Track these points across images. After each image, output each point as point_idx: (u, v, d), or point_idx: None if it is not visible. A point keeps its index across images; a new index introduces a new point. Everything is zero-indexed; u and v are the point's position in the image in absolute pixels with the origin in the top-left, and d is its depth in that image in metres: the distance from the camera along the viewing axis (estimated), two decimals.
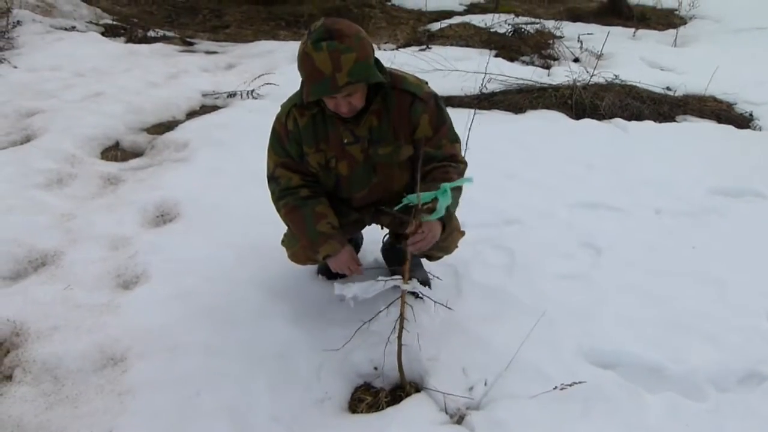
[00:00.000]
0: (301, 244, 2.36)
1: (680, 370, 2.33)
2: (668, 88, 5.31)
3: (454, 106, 4.65)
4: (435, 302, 2.04)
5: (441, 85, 4.82)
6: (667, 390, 2.25)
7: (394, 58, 5.22)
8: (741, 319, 2.59)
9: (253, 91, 4.87)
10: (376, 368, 2.36)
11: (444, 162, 2.29)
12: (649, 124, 4.50)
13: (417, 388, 2.30)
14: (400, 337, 2.19)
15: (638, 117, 4.68)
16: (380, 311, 2.10)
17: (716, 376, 2.31)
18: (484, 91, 4.87)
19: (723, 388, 2.28)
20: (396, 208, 2.05)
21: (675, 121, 4.75)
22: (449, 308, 2.04)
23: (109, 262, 2.86)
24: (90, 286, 2.69)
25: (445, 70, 5.04)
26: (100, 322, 2.49)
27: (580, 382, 2.20)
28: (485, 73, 5.01)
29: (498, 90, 4.95)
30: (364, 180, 2.32)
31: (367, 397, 2.28)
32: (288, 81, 4.76)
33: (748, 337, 2.50)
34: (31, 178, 3.42)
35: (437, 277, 2.17)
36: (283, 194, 2.30)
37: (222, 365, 2.29)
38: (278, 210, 2.34)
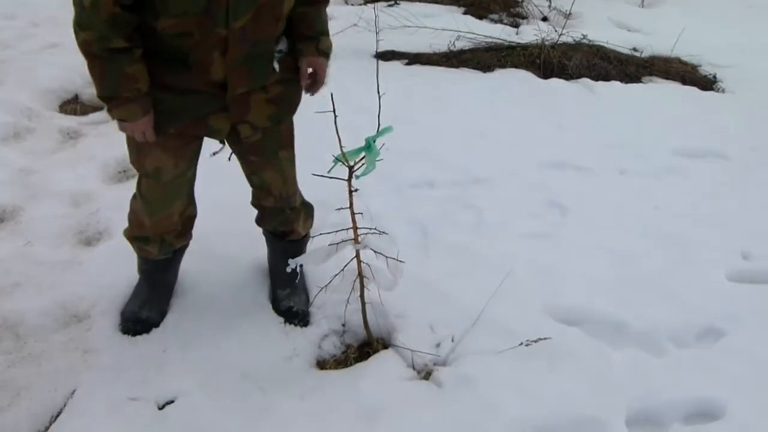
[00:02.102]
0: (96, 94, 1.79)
1: (642, 327, 2.39)
2: (635, 49, 5.32)
3: (422, 63, 4.60)
4: (387, 257, 2.03)
5: (409, 41, 4.77)
6: (630, 346, 2.31)
7: (361, 12, 5.11)
8: (701, 278, 2.67)
9: None
10: (343, 325, 2.36)
11: None
12: (615, 85, 4.52)
13: (385, 344, 2.32)
14: (362, 296, 2.19)
15: (605, 77, 4.69)
16: (335, 275, 2.08)
17: (676, 332, 2.38)
18: (453, 49, 4.81)
19: (682, 343, 2.35)
20: (328, 171, 1.88)
21: (641, 82, 4.78)
22: (401, 261, 2.03)
23: (70, 219, 2.78)
24: (51, 242, 2.62)
25: (413, 26, 4.96)
26: (63, 278, 2.43)
27: (545, 338, 2.24)
28: (454, 31, 4.96)
29: (467, 48, 4.90)
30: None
31: (336, 354, 2.29)
32: None
33: (708, 294, 2.57)
34: None
35: (383, 232, 2.09)
36: (87, 25, 1.63)
37: (189, 323, 2.26)
38: (77, 41, 1.69)
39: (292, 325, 2.33)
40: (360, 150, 1.97)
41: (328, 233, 2.12)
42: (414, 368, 2.21)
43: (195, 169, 2.15)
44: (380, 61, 4.53)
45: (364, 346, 2.33)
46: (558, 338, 2.27)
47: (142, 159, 2.00)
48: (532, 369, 2.17)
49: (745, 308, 2.50)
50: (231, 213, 2.66)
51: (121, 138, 3.32)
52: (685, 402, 2.10)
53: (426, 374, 2.19)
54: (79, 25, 1.65)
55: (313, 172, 1.96)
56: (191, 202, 2.22)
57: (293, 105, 2.09)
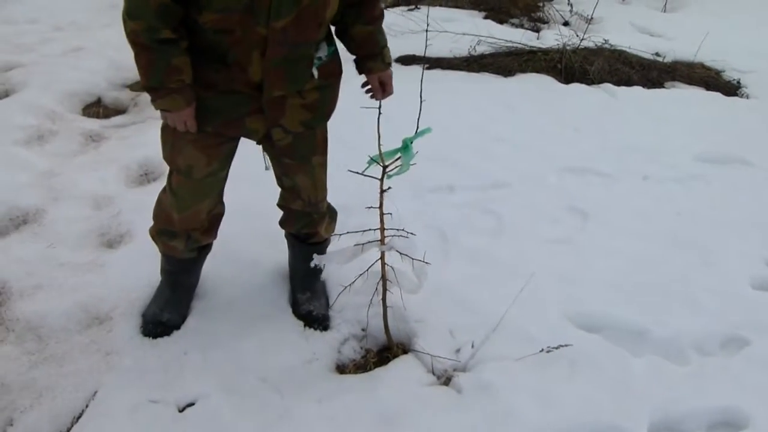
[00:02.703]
0: (141, 84, 1.82)
1: (664, 334, 2.36)
2: (657, 54, 5.27)
3: (443, 67, 4.59)
4: (413, 259, 2.02)
5: (430, 46, 4.76)
6: (651, 353, 2.28)
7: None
8: (723, 285, 2.63)
9: None
10: (363, 329, 2.36)
11: None
12: (637, 90, 4.48)
13: (404, 349, 2.31)
14: (384, 299, 2.18)
15: (627, 82, 4.65)
16: (360, 275, 2.08)
17: (699, 340, 2.35)
18: (473, 53, 4.80)
19: (705, 352, 2.32)
20: (363, 170, 1.96)
21: (663, 87, 4.73)
22: (427, 263, 2.03)
23: (92, 221, 2.81)
24: (73, 244, 2.65)
25: (433, 31, 4.95)
26: (84, 281, 2.45)
27: (566, 345, 2.22)
28: (475, 35, 4.94)
29: (487, 53, 4.88)
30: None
31: (355, 358, 2.29)
32: None
33: (730, 302, 2.53)
34: (11, 134, 3.33)
35: (410, 233, 2.08)
36: (136, 15, 1.66)
37: (210, 325, 2.27)
38: (125, 31, 1.72)
39: (312, 329, 2.33)
40: (396, 151, 1.98)
41: (354, 233, 2.11)
42: (434, 373, 2.20)
43: (227, 171, 2.16)
44: (401, 65, 4.54)
45: (384, 351, 2.32)
46: (579, 345, 2.25)
47: (175, 155, 2.01)
48: (552, 376, 2.15)
49: None
50: (252, 216, 2.68)
51: (143, 141, 3.38)
52: (708, 411, 2.07)
53: (446, 380, 2.18)
54: (129, 15, 1.67)
55: (348, 169, 1.98)
56: (220, 201, 2.23)
57: (328, 112, 2.09)
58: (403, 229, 2.06)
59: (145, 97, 3.93)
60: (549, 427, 1.98)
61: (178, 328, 2.28)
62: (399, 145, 1.98)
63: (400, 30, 5.01)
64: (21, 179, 3.00)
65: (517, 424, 1.98)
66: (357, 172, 1.90)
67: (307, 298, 2.38)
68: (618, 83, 4.60)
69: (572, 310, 2.44)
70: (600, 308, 2.46)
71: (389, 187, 1.98)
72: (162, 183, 3.04)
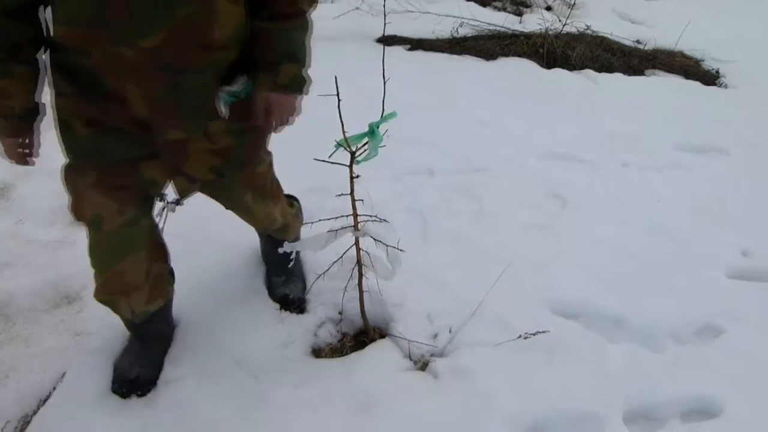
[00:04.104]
0: None
1: (641, 322, 2.36)
2: (638, 41, 5.27)
3: (425, 49, 4.54)
4: (387, 245, 1.99)
5: (413, 27, 4.71)
6: (629, 341, 2.28)
7: None
8: (699, 274, 2.64)
9: None
10: (340, 313, 2.33)
11: None
12: (618, 77, 4.48)
13: (382, 333, 2.29)
14: (360, 284, 2.15)
15: (608, 69, 4.64)
16: (334, 262, 2.05)
17: (675, 328, 2.35)
18: (456, 35, 4.76)
19: (681, 340, 2.32)
20: (330, 155, 1.67)
21: (644, 74, 4.73)
22: (401, 250, 2.00)
23: (63, 197, 2.66)
24: (43, 221, 2.57)
25: (416, 12, 4.89)
26: (54, 258, 2.39)
27: (543, 332, 2.22)
28: (457, 17, 4.89)
29: (470, 35, 4.84)
30: (159, 7, 1.31)
31: (332, 342, 2.26)
32: None
33: (707, 291, 2.55)
34: None
35: (383, 220, 2.04)
36: None
37: (183, 307, 2.22)
38: None
39: (288, 312, 2.30)
40: (363, 135, 1.93)
41: (327, 219, 2.07)
42: (411, 358, 2.18)
43: (152, 220, 1.81)
44: (381, 46, 4.47)
45: (360, 335, 2.29)
46: (556, 332, 2.25)
47: (79, 203, 1.65)
48: (529, 362, 2.14)
49: (744, 306, 2.47)
50: None
51: None
52: (683, 399, 2.08)
53: (423, 365, 2.16)
54: None
55: (314, 156, 1.91)
56: (157, 258, 1.87)
57: (247, 159, 1.75)
58: (376, 215, 2.03)
59: None
60: (525, 414, 1.97)
61: (153, 383, 1.98)
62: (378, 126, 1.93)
63: (381, 10, 4.95)
64: None
65: (493, 410, 1.97)
66: (323, 160, 1.83)
67: (283, 281, 2.34)
68: (599, 69, 4.59)
69: (550, 297, 2.43)
70: (578, 295, 2.46)
71: (358, 175, 1.93)
72: None
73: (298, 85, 1.59)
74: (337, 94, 1.78)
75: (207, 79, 1.47)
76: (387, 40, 4.52)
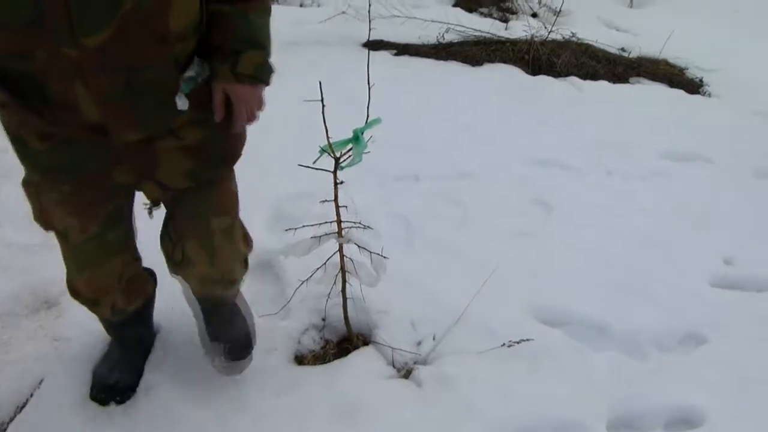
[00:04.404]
0: None
1: (624, 330, 2.36)
2: (623, 49, 5.31)
3: (411, 54, 4.54)
4: (371, 252, 1.98)
5: (399, 32, 4.70)
6: (612, 349, 2.28)
7: (351, 0, 5.03)
8: (683, 282, 2.65)
9: None
10: (323, 320, 2.31)
11: None
12: (603, 84, 4.50)
13: (365, 340, 2.27)
14: (344, 291, 2.14)
15: (593, 76, 4.67)
16: (317, 269, 2.03)
17: (658, 336, 2.36)
18: (442, 41, 4.76)
19: (664, 348, 2.33)
20: (314, 161, 1.62)
21: (629, 82, 4.76)
22: (384, 257, 1.99)
23: None
24: (22, 224, 2.52)
25: (402, 17, 4.89)
26: (33, 262, 2.34)
27: (527, 340, 2.21)
28: (443, 23, 4.90)
29: (456, 41, 4.85)
30: (102, 1, 1.14)
31: (315, 349, 2.24)
32: None
33: (690, 299, 2.55)
34: None
35: (367, 226, 2.02)
36: None
37: (165, 313, 2.19)
38: None
39: (270, 317, 2.27)
40: (347, 141, 1.91)
41: (311, 225, 2.05)
42: (394, 366, 2.17)
43: (122, 230, 1.65)
44: (368, 50, 4.46)
45: (344, 342, 2.28)
46: (540, 340, 2.24)
47: (45, 216, 1.55)
48: (513, 370, 2.13)
49: (726, 315, 2.48)
50: None
51: None
52: (666, 408, 2.08)
53: (406, 372, 2.15)
54: None
55: (299, 162, 1.89)
56: (129, 262, 1.74)
57: (226, 155, 1.58)
58: (359, 222, 2.02)
59: None
60: (509, 422, 1.96)
61: (133, 390, 1.92)
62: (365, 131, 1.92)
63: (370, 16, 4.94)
64: None
65: (476, 419, 1.96)
66: (307, 166, 1.82)
67: (223, 321, 1.97)
68: (584, 77, 4.62)
69: (535, 304, 2.42)
70: (562, 303, 2.46)
71: (342, 181, 1.91)
72: None
73: (263, 75, 1.42)
74: (321, 100, 1.77)
75: (164, 73, 1.31)
76: (373, 45, 4.52)
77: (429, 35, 4.81)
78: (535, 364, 2.16)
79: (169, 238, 1.69)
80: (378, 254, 2.05)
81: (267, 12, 1.42)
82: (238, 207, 1.69)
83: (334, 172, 1.93)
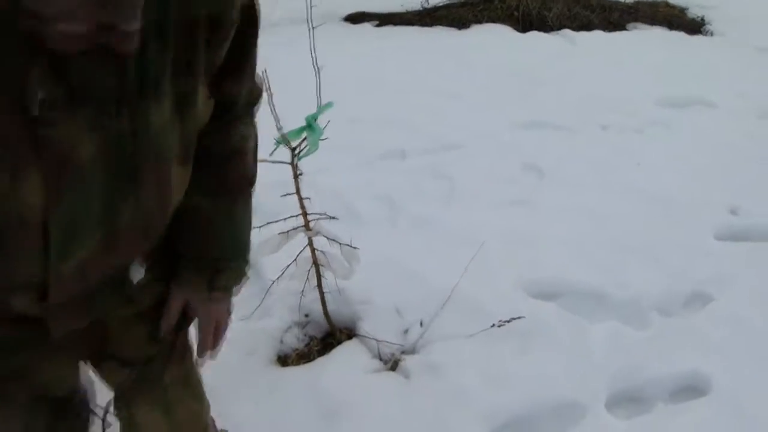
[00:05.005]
0: None
1: (624, 296, 2.24)
2: None
3: (395, 23, 4.37)
4: (341, 244, 1.88)
5: (382, 3, 4.54)
6: (610, 319, 2.16)
7: None
8: (686, 239, 2.51)
9: None
10: (306, 315, 2.22)
11: (238, 119, 1.04)
12: (597, 35, 4.30)
13: (349, 334, 2.17)
14: (319, 285, 2.04)
15: (587, 27, 4.47)
16: (287, 266, 1.93)
17: (660, 301, 2.23)
18: (426, 6, 4.58)
19: (667, 312, 2.20)
20: (270, 154, 1.45)
21: (625, 29, 4.55)
22: (354, 247, 1.88)
23: None
24: None
25: None
26: None
27: (518, 318, 2.09)
28: None
29: (441, 4, 4.67)
30: (91, 221, 0.84)
31: (298, 347, 2.15)
32: None
33: (693, 256, 2.42)
34: None
35: (332, 217, 1.89)
36: None
37: None
38: None
39: (251, 318, 2.19)
40: (301, 130, 1.81)
41: (276, 222, 1.95)
42: (380, 358, 2.07)
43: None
44: (349, 24, 4.32)
45: (329, 337, 2.18)
46: (532, 315, 2.12)
47: None
48: (504, 352, 2.02)
49: (733, 269, 2.35)
50: None
51: None
52: (669, 377, 1.96)
53: (393, 364, 2.05)
54: None
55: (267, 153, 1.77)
56: None
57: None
58: (325, 213, 1.91)
59: None
60: (501, 408, 1.86)
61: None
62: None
63: None
64: None
65: (467, 407, 1.86)
66: (263, 160, 1.69)
67: None
68: (578, 28, 4.43)
69: (526, 278, 2.30)
70: (556, 273, 2.33)
71: (302, 172, 1.80)
72: None
73: (240, 283, 1.16)
74: (269, 89, 1.66)
75: (130, 266, 1.02)
76: (354, 18, 4.37)
77: (414, 2, 4.64)
78: (528, 342, 2.05)
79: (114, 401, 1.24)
80: (348, 245, 1.95)
81: (251, 195, 1.13)
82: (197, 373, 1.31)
83: (292, 164, 1.83)
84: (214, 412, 1.86)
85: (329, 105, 1.80)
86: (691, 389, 1.94)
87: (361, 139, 3.03)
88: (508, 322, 2.09)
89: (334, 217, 1.93)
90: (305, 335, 2.18)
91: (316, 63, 1.73)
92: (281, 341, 2.15)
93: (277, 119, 1.72)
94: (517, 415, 1.85)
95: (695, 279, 2.31)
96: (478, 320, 2.12)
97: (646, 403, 1.92)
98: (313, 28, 1.73)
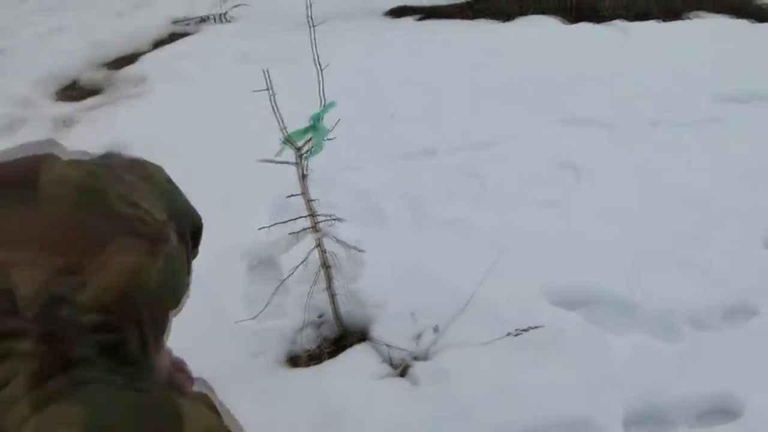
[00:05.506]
0: None
1: (655, 307, 2.08)
2: None
3: (438, 17, 4.25)
4: (347, 247, 1.82)
5: None
6: (637, 330, 2.02)
7: None
8: (732, 245, 2.31)
9: (225, 13, 4.55)
10: (320, 316, 2.18)
11: None
12: (653, 25, 4.05)
13: (361, 337, 2.12)
14: (329, 287, 1.99)
15: (644, 16, 4.22)
16: (295, 267, 1.89)
17: (697, 312, 2.06)
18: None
19: (703, 326, 2.03)
20: (276, 154, 1.56)
21: (686, 18, 4.27)
22: (361, 250, 1.82)
23: None
24: None
25: None
26: None
27: (536, 327, 1.98)
28: None
29: None
30: None
31: (310, 347, 2.11)
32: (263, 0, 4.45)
33: (739, 265, 2.23)
34: None
35: (339, 219, 1.83)
36: None
37: None
38: None
39: (265, 317, 2.15)
40: (306, 130, 1.75)
41: (284, 222, 1.91)
42: (391, 363, 2.01)
43: None
44: (391, 18, 4.24)
45: (341, 339, 2.14)
46: (553, 325, 2.01)
47: None
48: (520, 362, 1.92)
49: None
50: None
51: (112, 123, 3.24)
52: (698, 397, 1.81)
53: (402, 369, 1.98)
54: None
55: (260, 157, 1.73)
56: None
57: None
58: (333, 215, 1.85)
59: (121, 74, 3.80)
60: (510, 422, 1.76)
61: None
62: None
63: None
64: None
65: (474, 419, 1.77)
66: (269, 161, 1.66)
67: None
68: (633, 18, 4.18)
69: (551, 284, 2.18)
70: (584, 280, 2.20)
71: (306, 174, 1.75)
72: None
73: None
74: (270, 89, 1.62)
75: None
76: (397, 12, 4.29)
77: None
78: (545, 353, 1.94)
79: None
80: (355, 248, 1.89)
81: None
82: None
83: (298, 165, 1.78)
84: None
85: (332, 104, 1.74)
86: (720, 412, 1.79)
87: (391, 135, 2.96)
88: (525, 331, 1.99)
89: (340, 219, 1.87)
90: (318, 336, 2.14)
91: (318, 62, 1.67)
92: (293, 341, 2.12)
93: (280, 120, 1.68)
94: (525, 430, 1.75)
95: (738, 289, 2.12)
96: (495, 328, 2.02)
97: (668, 424, 1.78)
98: (313, 26, 1.66)
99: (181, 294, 0.80)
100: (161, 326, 0.80)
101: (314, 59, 1.69)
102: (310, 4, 1.71)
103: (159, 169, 0.87)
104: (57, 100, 3.62)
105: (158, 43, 4.27)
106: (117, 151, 0.85)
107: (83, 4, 4.80)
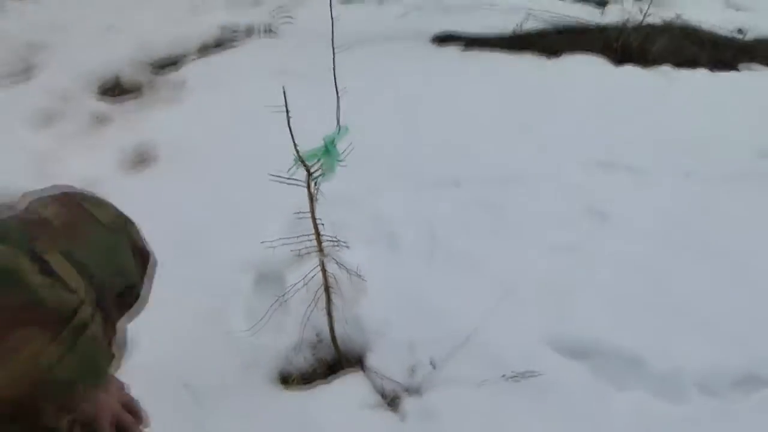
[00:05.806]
0: None
1: (663, 366, 2.00)
2: (740, 31, 4.64)
3: (481, 47, 4.21)
4: (349, 271, 1.79)
5: (473, 21, 4.41)
6: (641, 388, 1.94)
7: None
8: (753, 307, 2.21)
9: (270, 26, 4.60)
10: (318, 335, 2.15)
11: None
12: (701, 73, 3.93)
13: (356, 362, 2.08)
14: (328, 310, 1.97)
15: (692, 64, 4.10)
16: (293, 285, 1.87)
17: (705, 375, 1.98)
18: (519, 31, 4.40)
19: (711, 391, 1.94)
20: (288, 170, 1.57)
21: (736, 69, 4.15)
22: (363, 279, 1.79)
23: None
24: None
25: (481, 7, 4.59)
26: None
27: (533, 373, 1.92)
28: (525, 9, 4.52)
29: (536, 30, 4.46)
30: None
31: (304, 367, 2.09)
32: (309, 16, 4.49)
33: (757, 328, 2.12)
34: (21, 115, 3.34)
35: (344, 243, 1.81)
36: None
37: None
38: None
39: (262, 331, 2.13)
40: (318, 152, 1.74)
41: (287, 239, 1.90)
42: (383, 394, 1.97)
43: None
44: (436, 46, 4.22)
45: (337, 363, 2.11)
46: (553, 373, 1.95)
47: None
48: (511, 408, 1.87)
49: None
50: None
51: (145, 124, 3.29)
52: None
53: (392, 401, 1.94)
54: None
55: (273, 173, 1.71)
56: None
57: None
58: (335, 237, 1.83)
59: (162, 78, 3.87)
60: None
61: None
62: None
63: (446, 4, 4.69)
64: (17, 162, 2.98)
65: None
66: (279, 177, 1.65)
67: None
68: (681, 65, 4.06)
69: (557, 331, 2.12)
70: (592, 330, 2.13)
71: (315, 196, 1.74)
72: (152, 169, 2.97)
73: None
74: (286, 106, 1.61)
75: None
76: (443, 39, 4.26)
77: (507, 25, 4.47)
78: (540, 402, 1.88)
79: None
80: (355, 273, 1.87)
81: None
82: None
83: (308, 185, 1.77)
84: (195, 420, 1.83)
85: (346, 130, 1.73)
86: None
87: (417, 163, 2.94)
88: (522, 375, 1.92)
89: (344, 243, 1.85)
90: (314, 356, 2.12)
91: (337, 86, 1.66)
92: (288, 359, 2.10)
93: (293, 137, 1.67)
94: None
95: (752, 357, 2.03)
96: (491, 368, 1.97)
97: None
98: (334, 50, 1.65)
99: (102, 369, 0.68)
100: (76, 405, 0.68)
101: (334, 82, 1.68)
102: (333, 23, 1.70)
103: (105, 213, 0.70)
104: (97, 97, 3.70)
105: (203, 49, 4.33)
106: (64, 190, 0.74)
107: (139, 5, 4.92)
